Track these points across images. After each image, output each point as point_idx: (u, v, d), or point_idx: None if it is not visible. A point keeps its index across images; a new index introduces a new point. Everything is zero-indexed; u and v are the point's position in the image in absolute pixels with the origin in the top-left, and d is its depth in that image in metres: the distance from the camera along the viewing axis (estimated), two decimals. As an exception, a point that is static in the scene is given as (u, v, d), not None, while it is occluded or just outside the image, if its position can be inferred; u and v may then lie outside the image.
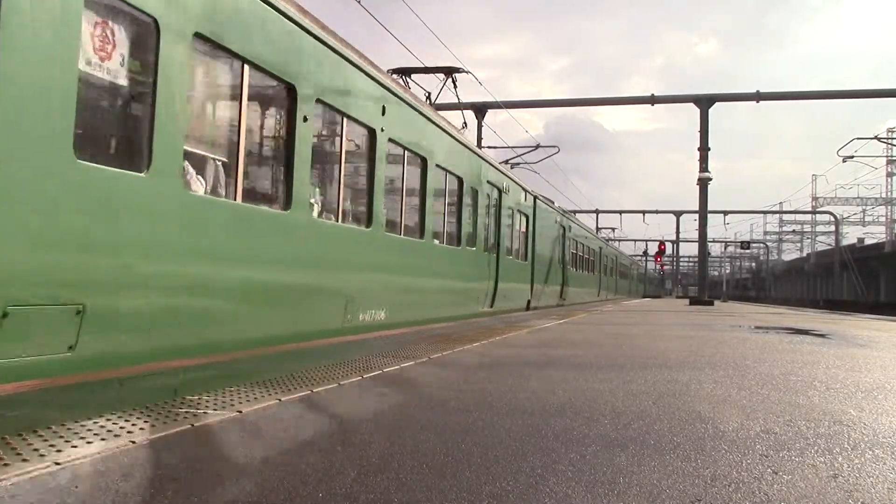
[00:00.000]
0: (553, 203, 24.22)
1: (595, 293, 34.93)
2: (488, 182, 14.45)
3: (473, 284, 13.49)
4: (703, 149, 29.89)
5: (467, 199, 12.74)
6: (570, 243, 26.39)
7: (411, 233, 10.04)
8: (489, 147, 29.47)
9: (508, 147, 30.30)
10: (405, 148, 9.53)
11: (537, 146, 29.38)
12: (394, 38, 14.56)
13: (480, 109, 31.60)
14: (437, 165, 10.83)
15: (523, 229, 18.67)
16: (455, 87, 15.48)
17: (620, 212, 64.88)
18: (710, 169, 30.27)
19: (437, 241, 11.03)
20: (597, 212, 61.21)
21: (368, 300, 8.14)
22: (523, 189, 18.56)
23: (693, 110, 30.21)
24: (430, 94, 14.59)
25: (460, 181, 12.31)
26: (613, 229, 66.04)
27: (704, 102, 30.00)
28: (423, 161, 10.28)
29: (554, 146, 30.15)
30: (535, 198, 20.13)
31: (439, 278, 11.33)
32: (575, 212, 47.61)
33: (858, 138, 40.62)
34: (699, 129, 29.98)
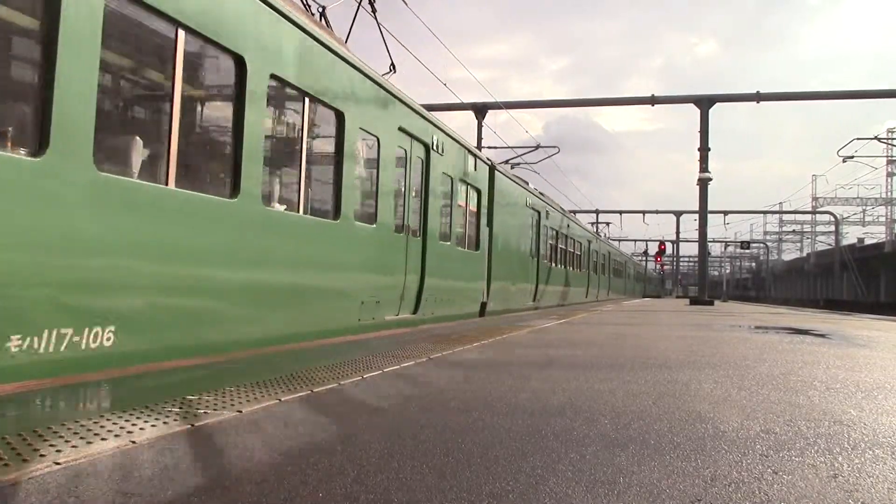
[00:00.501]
0: (528, 184, 20.76)
1: (582, 293, 30.81)
2: (402, 130, 10.10)
3: (370, 280, 9.23)
4: (704, 149, 29.96)
5: (356, 149, 8.71)
6: (547, 233, 22.42)
7: (204, 186, 6.16)
8: (489, 147, 29.47)
9: (509, 147, 30.38)
10: (182, 26, 5.51)
11: (537, 146, 29.48)
12: (394, 37, 14.58)
13: (480, 110, 31.67)
14: (279, 79, 6.82)
15: (473, 208, 14.38)
16: (374, 10, 11.10)
17: (620, 212, 65.13)
18: (710, 169, 30.33)
19: (278, 207, 7.16)
20: (597, 212, 61.36)
21: (56, 310, 4.45)
22: (471, 153, 14.00)
23: (693, 111, 30.30)
24: (324, 9, 9.58)
25: (340, 118, 8.23)
26: (608, 224, 64.89)
27: (705, 103, 30.06)
28: (238, 63, 6.17)
29: (554, 146, 30.25)
30: (493, 168, 15.65)
31: (284, 270, 7.09)
32: (575, 212, 47.52)
33: (858, 138, 40.89)
34: (699, 130, 30.05)
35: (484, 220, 15.03)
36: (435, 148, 11.54)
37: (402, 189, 10.51)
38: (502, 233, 16.42)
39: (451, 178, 12.69)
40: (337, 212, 8.32)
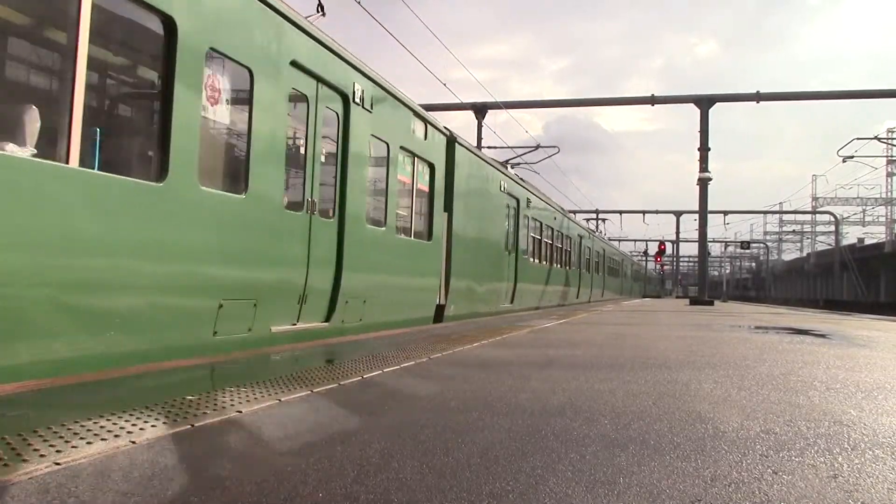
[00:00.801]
0: (507, 168, 18.58)
1: (572, 294, 28.33)
2: (298, 67, 7.46)
3: (239, 274, 6.55)
4: (704, 149, 29.96)
5: (203, 80, 5.98)
6: (528, 224, 19.76)
7: None
8: (489, 147, 29.41)
9: (509, 147, 30.36)
10: None
11: (537, 146, 29.45)
12: (394, 38, 14.60)
13: (480, 110, 31.68)
14: None
15: (423, 187, 11.63)
16: None
17: (620, 212, 65.05)
18: (710, 169, 30.33)
19: (13, 149, 4.48)
20: (597, 212, 61.19)
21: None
22: (419, 116, 11.15)
23: (693, 111, 30.30)
24: None
25: (168, 26, 5.54)
26: (604, 220, 62.62)
27: (705, 103, 30.06)
28: None
29: (554, 146, 30.23)
30: (453, 140, 12.79)
31: (25, 254, 4.50)
32: (575, 212, 47.41)
33: (858, 138, 40.97)
34: (699, 130, 30.04)
35: (440, 204, 12.21)
36: (359, 101, 8.72)
37: (302, 151, 7.70)
38: (466, 220, 13.64)
39: (387, 145, 9.88)
40: (162, 169, 5.54)
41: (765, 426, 3.53)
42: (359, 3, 12.24)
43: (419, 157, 11.24)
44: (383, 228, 9.91)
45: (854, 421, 3.74)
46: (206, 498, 2.21)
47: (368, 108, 9.10)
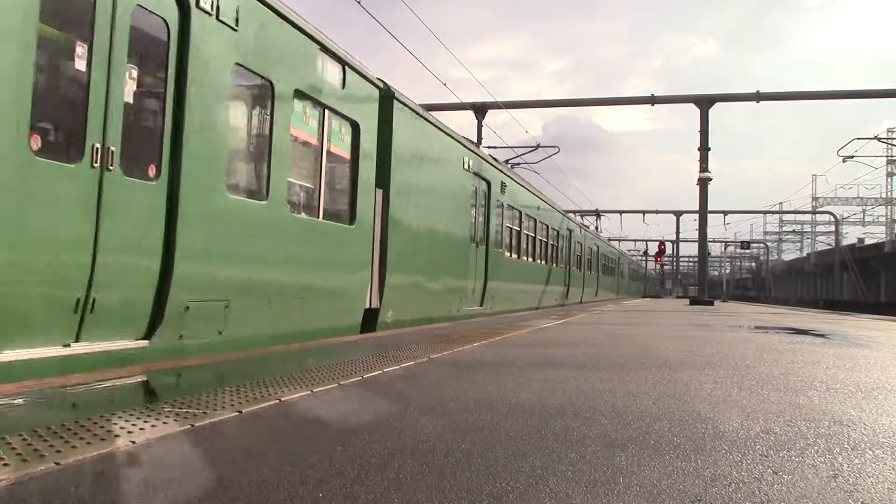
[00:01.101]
0: (479, 147, 16.03)
1: (559, 294, 25.66)
2: None
3: None
4: (704, 149, 29.96)
5: None
6: (503, 212, 16.90)
7: None
8: (489, 147, 29.41)
9: (508, 147, 30.36)
10: None
11: (537, 146, 29.46)
12: (394, 38, 14.61)
13: (480, 109, 31.70)
14: None
15: (341, 152, 8.72)
16: None
17: (620, 212, 64.96)
18: (709, 169, 30.33)
19: None
20: (597, 212, 61.09)
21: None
22: (328, 52, 8.11)
23: (693, 111, 30.29)
24: None
25: None
26: (599, 216, 59.37)
27: (705, 102, 30.06)
28: None
29: (554, 146, 30.24)
30: (390, 96, 9.94)
31: None
32: (575, 212, 47.32)
33: (858, 138, 41.02)
34: (699, 130, 30.04)
35: (370, 177, 9.32)
36: (209, 8, 5.96)
37: (82, 69, 4.83)
38: (412, 201, 10.92)
39: (271, 85, 7.00)
40: None
41: (765, 426, 3.53)
42: (359, 2, 12.24)
43: (333, 110, 8.31)
44: (263, 202, 6.98)
45: (854, 421, 3.74)
46: (207, 498, 2.21)
47: (230, 23, 6.23)
